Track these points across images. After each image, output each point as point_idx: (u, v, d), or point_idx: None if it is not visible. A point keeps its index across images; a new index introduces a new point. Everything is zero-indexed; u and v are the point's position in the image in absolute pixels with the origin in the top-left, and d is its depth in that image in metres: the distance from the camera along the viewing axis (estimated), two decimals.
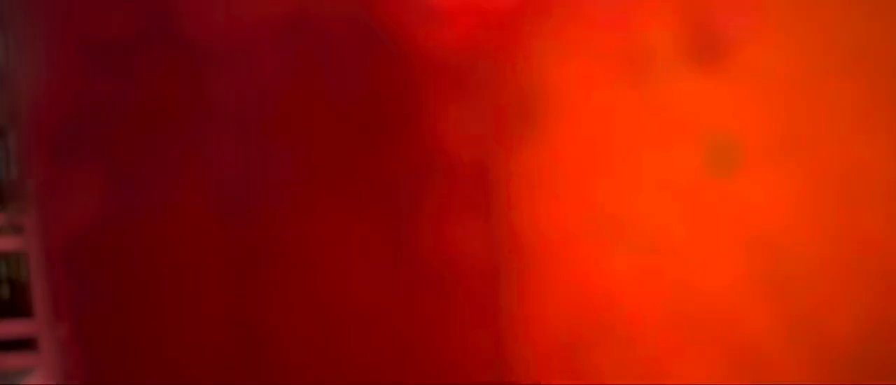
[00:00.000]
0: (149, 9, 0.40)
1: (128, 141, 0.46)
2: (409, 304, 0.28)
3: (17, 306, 3.89)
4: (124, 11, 0.42)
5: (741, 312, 0.27)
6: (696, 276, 0.25)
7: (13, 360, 3.23)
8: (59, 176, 0.56)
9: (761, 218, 0.27)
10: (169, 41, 0.39)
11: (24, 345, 3.54)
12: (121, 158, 0.47)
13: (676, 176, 0.25)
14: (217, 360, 0.43)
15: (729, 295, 0.25)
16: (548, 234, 0.25)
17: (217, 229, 0.38)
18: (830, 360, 0.27)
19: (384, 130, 0.26)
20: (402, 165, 0.26)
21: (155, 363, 0.49)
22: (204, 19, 0.35)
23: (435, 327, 0.27)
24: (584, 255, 0.27)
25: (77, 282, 0.54)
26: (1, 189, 3.89)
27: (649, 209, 0.25)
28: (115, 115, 0.46)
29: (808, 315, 0.26)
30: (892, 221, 0.36)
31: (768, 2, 0.32)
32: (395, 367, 0.27)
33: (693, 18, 0.25)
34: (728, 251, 0.27)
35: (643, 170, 0.25)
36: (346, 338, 0.28)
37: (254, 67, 0.32)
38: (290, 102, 0.29)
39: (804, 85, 0.34)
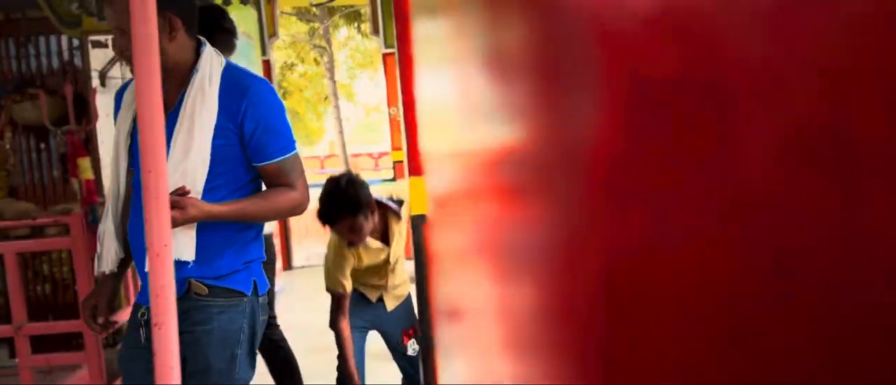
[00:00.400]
0: (686, 53, 0.41)
1: (662, 170, 0.48)
2: None
3: (59, 304, 3.88)
4: (666, 53, 0.44)
5: None
6: None
7: (59, 358, 3.24)
8: (610, 204, 0.59)
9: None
10: (701, 81, 0.40)
11: (67, 342, 3.52)
12: (657, 187, 0.49)
13: None
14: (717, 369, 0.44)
15: None
16: None
17: (734, 252, 0.39)
18: None
19: None
20: None
21: (667, 368, 0.51)
22: (733, 63, 0.36)
23: None
24: None
25: (614, 303, 0.56)
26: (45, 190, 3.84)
27: None
28: (653, 146, 0.49)
29: None
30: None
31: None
32: None
33: None
34: None
35: None
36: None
37: (778, 104, 0.33)
38: (818, 136, 0.30)
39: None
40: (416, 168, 2.40)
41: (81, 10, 3.77)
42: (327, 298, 2.70)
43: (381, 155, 17.61)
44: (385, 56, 8.74)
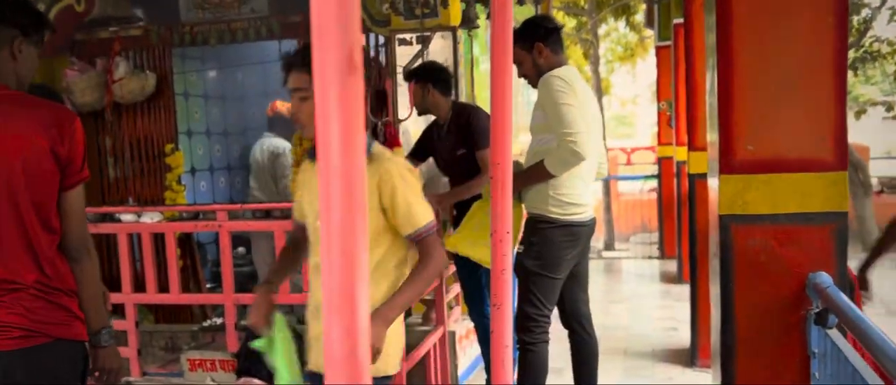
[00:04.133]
0: None
1: None
2: None
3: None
4: None
5: None
6: None
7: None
8: None
9: None
10: None
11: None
12: None
13: None
14: None
15: None
16: None
17: None
18: None
19: None
20: None
21: None
22: None
23: None
24: None
25: None
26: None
27: None
28: None
29: None
30: None
31: None
32: None
33: None
34: None
35: None
36: None
37: None
38: None
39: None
40: (728, 165, 2.34)
41: (390, 9, 4.12)
42: None
43: (634, 150, 17.25)
44: (658, 49, 8.56)
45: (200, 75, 5.80)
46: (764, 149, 2.31)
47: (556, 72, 3.14)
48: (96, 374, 2.10)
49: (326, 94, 0.81)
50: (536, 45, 3.18)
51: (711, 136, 2.52)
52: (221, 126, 6.09)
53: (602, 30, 14.43)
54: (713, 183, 2.53)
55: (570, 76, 3.16)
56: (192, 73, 5.59)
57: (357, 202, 0.83)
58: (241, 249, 5.10)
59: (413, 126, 4.28)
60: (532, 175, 3.18)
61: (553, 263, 3.19)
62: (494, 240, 1.73)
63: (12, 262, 1.89)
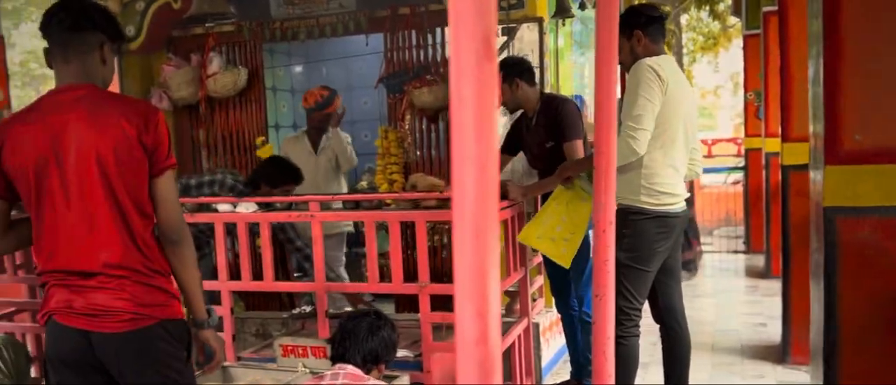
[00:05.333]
0: None
1: None
2: None
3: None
4: None
5: None
6: None
7: (451, 317, 3.59)
8: None
9: None
10: None
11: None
12: None
13: None
14: None
15: None
16: None
17: None
18: None
19: None
20: None
21: None
22: None
23: None
24: None
25: None
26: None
27: None
28: None
29: None
30: None
31: None
32: None
33: None
34: None
35: None
36: None
37: None
38: None
39: None
40: (834, 156, 2.26)
41: None
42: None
43: (716, 141, 16.85)
44: (746, 38, 8.33)
45: (287, 70, 5.93)
46: (874, 138, 2.22)
47: (649, 60, 3.09)
48: (200, 355, 2.24)
49: (462, 79, 0.83)
50: (636, 32, 3.14)
51: (815, 127, 2.44)
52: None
53: (683, 19, 14.11)
54: (816, 175, 2.45)
55: (665, 67, 3.10)
56: (280, 67, 5.73)
57: (490, 186, 0.84)
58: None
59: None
60: (588, 163, 3.23)
61: (645, 255, 3.15)
62: (597, 230, 1.72)
63: (115, 246, 2.01)
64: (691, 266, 6.59)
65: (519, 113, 3.96)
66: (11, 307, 4.32)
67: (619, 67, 2.19)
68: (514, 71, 3.75)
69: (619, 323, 3.18)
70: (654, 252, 3.16)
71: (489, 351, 0.86)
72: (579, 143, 3.62)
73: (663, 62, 3.11)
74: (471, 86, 0.82)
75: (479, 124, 0.82)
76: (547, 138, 3.67)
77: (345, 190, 5.17)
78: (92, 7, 2.11)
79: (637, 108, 2.97)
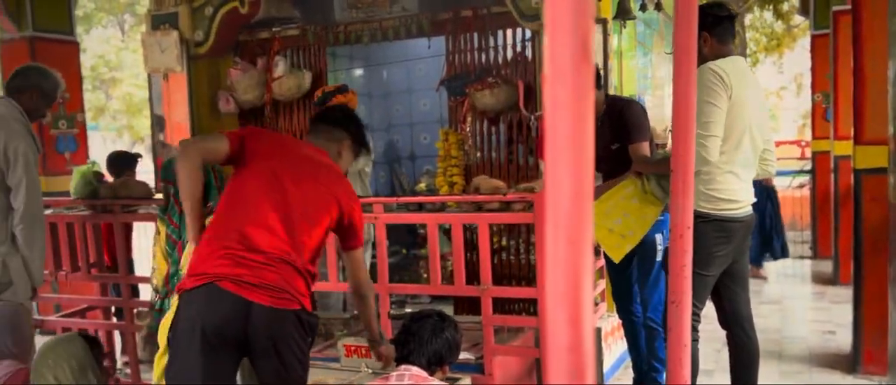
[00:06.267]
0: None
1: None
2: None
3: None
4: None
5: None
6: None
7: (512, 320, 3.60)
8: None
9: None
10: None
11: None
12: None
13: None
14: None
15: None
16: None
17: None
18: None
19: None
20: None
21: None
22: None
23: None
24: None
25: None
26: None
27: None
28: None
29: None
30: None
31: None
32: None
33: None
34: None
35: None
36: None
37: None
38: None
39: None
40: None
41: (540, 3, 4.10)
42: None
43: (779, 144, 16.44)
44: (814, 38, 8.10)
45: (349, 73, 6.00)
46: None
47: (713, 63, 3.02)
48: (378, 359, 2.94)
49: (558, 82, 0.82)
50: (703, 33, 3.08)
51: (894, 129, 2.36)
52: (368, 122, 6.28)
53: (747, 19, 13.81)
54: (895, 179, 2.37)
55: (731, 68, 3.03)
56: (342, 71, 5.79)
57: (585, 191, 0.83)
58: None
59: None
60: (660, 168, 3.22)
61: (703, 259, 3.08)
62: (673, 234, 1.69)
63: (293, 247, 2.40)
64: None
65: None
66: (84, 304, 4.46)
67: None
68: None
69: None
70: (712, 256, 3.09)
71: (582, 358, 0.84)
72: (646, 145, 3.56)
73: (728, 64, 3.04)
74: (567, 89, 0.81)
75: (575, 128, 0.81)
76: (612, 140, 3.62)
77: (370, 192, 5.14)
78: (347, 113, 2.78)
79: (704, 115, 2.91)
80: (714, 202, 3.07)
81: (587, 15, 0.80)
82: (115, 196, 4.12)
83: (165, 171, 3.30)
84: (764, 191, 6.90)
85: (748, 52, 16.05)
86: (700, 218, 3.07)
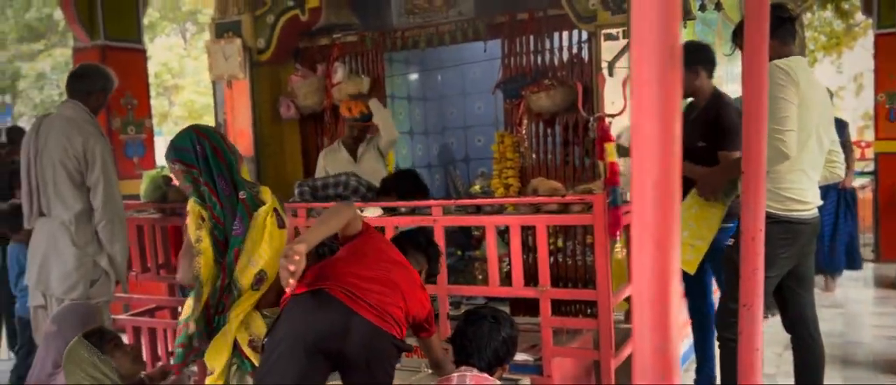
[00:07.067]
0: None
1: None
2: None
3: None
4: None
5: None
6: None
7: (571, 322, 3.59)
8: None
9: None
10: None
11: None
12: None
13: None
14: None
15: None
16: None
17: None
18: None
19: None
20: None
21: None
22: None
23: None
24: None
25: None
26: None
27: None
28: None
29: None
30: None
31: None
32: None
33: None
34: None
35: None
36: None
37: None
38: None
39: None
40: None
41: (597, 5, 4.10)
42: None
43: None
44: (878, 37, 7.90)
45: (404, 78, 6.06)
46: None
47: (779, 61, 2.99)
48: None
49: (645, 86, 0.83)
50: None
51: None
52: (423, 126, 6.34)
53: (805, 18, 13.52)
54: None
55: (795, 67, 3.00)
56: (398, 75, 5.86)
57: (673, 196, 0.84)
58: None
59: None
60: (735, 168, 3.12)
61: (766, 260, 3.04)
62: (745, 237, 1.69)
63: (391, 292, 2.58)
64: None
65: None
66: (153, 304, 4.60)
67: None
68: (699, 60, 3.60)
69: (731, 326, 3.10)
70: (775, 257, 3.05)
71: (669, 361, 0.86)
72: (737, 155, 3.35)
73: (794, 63, 3.01)
74: (654, 93, 0.82)
75: (662, 133, 0.83)
76: (700, 137, 3.51)
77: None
78: (430, 241, 3.16)
79: (779, 111, 2.87)
80: (782, 202, 3.03)
81: (675, 19, 0.81)
82: (184, 199, 4.24)
83: (179, 152, 2.71)
84: (839, 195, 6.64)
85: (807, 51, 15.71)
86: (766, 218, 3.03)
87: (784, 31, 3.08)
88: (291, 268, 2.25)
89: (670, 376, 0.86)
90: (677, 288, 0.85)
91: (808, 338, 3.26)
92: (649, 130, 0.83)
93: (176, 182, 2.89)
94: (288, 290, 2.34)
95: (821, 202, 3.20)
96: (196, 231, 2.67)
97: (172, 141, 2.77)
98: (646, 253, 0.85)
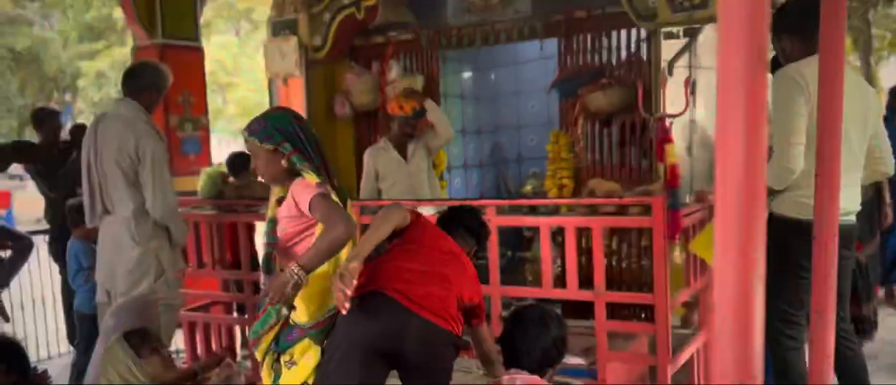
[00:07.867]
0: None
1: None
2: None
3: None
4: None
5: None
6: None
7: (626, 326, 3.48)
8: None
9: None
10: None
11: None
12: None
13: None
14: None
15: None
16: None
17: None
18: None
19: None
20: None
21: None
22: None
23: None
24: None
25: None
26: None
27: None
28: None
29: None
30: None
31: None
32: None
33: None
34: None
35: None
36: None
37: None
38: None
39: None
40: None
41: (658, 2, 4.01)
42: None
43: None
44: None
45: (457, 76, 6.04)
46: None
47: (788, 69, 2.87)
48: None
49: (731, 87, 0.80)
50: (782, 35, 2.94)
51: None
52: (476, 125, 6.32)
53: (870, 15, 13.11)
54: None
55: (805, 72, 2.84)
56: (451, 74, 5.84)
57: (758, 202, 0.81)
58: None
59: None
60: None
61: (789, 269, 2.97)
62: (818, 243, 1.62)
63: (444, 296, 2.58)
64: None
65: None
66: (208, 299, 4.67)
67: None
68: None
69: (781, 328, 3.06)
70: (798, 267, 2.94)
71: (751, 369, 0.83)
72: None
73: (805, 68, 2.81)
74: (741, 95, 0.79)
75: (748, 135, 0.80)
76: None
77: (440, 193, 5.04)
78: (480, 222, 3.11)
79: (784, 126, 2.78)
80: (802, 208, 2.90)
81: (763, 19, 0.78)
82: (239, 196, 4.30)
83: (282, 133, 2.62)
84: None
85: (872, 49, 15.22)
86: (787, 224, 2.91)
87: (807, 26, 2.86)
88: (348, 292, 2.26)
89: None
90: (761, 295, 0.82)
91: (848, 351, 3.11)
92: (734, 132, 0.80)
93: (257, 167, 2.65)
94: (343, 310, 2.33)
95: (858, 208, 3.05)
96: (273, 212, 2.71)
97: (269, 121, 2.61)
98: (728, 258, 0.82)
